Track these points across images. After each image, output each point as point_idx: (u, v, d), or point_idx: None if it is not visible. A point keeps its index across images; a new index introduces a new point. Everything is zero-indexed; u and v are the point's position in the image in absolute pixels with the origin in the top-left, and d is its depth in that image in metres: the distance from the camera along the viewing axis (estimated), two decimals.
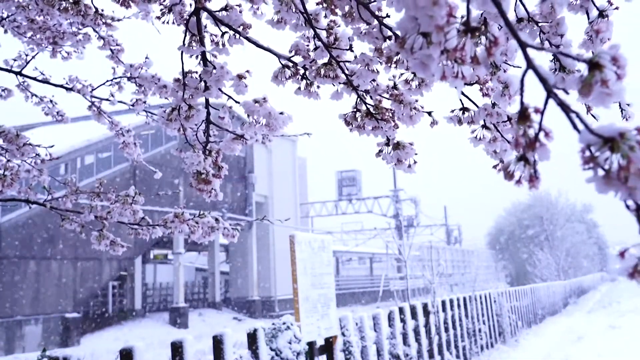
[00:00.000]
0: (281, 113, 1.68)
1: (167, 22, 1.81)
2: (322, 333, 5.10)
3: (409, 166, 1.64)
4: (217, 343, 3.65)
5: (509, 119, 1.51)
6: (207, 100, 1.76)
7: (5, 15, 2.60)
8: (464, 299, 9.44)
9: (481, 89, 1.58)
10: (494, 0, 0.55)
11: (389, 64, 1.51)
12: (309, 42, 1.64)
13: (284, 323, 4.42)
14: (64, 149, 17.94)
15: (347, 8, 1.56)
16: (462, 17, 0.60)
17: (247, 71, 1.69)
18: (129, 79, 2.75)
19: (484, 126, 1.57)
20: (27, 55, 2.94)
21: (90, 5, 2.19)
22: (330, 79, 1.59)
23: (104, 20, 2.32)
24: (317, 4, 1.61)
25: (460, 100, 1.57)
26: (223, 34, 1.68)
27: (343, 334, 5.36)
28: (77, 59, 2.84)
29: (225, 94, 1.67)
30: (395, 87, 1.58)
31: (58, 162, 17.52)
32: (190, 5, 1.72)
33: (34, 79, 3.04)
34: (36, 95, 3.13)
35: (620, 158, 0.52)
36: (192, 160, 1.74)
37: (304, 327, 4.81)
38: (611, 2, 1.60)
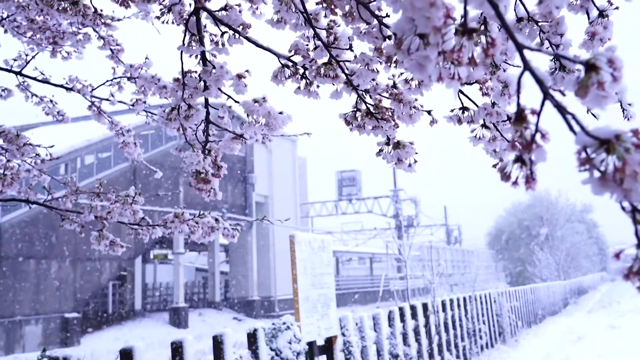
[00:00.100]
0: (281, 113, 1.69)
1: (167, 22, 1.81)
2: (322, 333, 5.10)
3: (410, 165, 1.64)
4: (217, 343, 3.65)
5: (509, 118, 1.51)
6: (206, 100, 1.76)
7: (5, 15, 2.60)
8: (464, 299, 9.44)
9: (481, 89, 1.58)
10: (491, 2, 0.55)
11: (389, 64, 1.51)
12: (309, 41, 1.64)
13: (284, 323, 4.42)
14: (64, 149, 17.94)
15: (347, 8, 1.56)
16: (461, 16, 0.61)
17: (247, 71, 1.69)
18: (129, 79, 2.76)
19: (484, 125, 1.57)
20: (27, 55, 2.95)
21: (89, 5, 2.19)
22: (330, 78, 1.59)
23: (103, 20, 2.32)
24: (317, 3, 1.61)
25: (460, 99, 1.57)
26: (223, 33, 1.68)
27: (343, 334, 5.36)
28: (77, 59, 2.84)
29: (224, 93, 1.67)
30: (394, 86, 1.58)
31: (58, 162, 17.52)
32: (190, 5, 1.72)
33: (34, 79, 3.04)
34: (36, 95, 3.13)
35: (616, 160, 0.52)
36: (191, 159, 1.74)
37: (304, 327, 4.81)
38: (611, 2, 1.60)
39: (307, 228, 36.71)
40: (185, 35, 1.64)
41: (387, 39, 1.53)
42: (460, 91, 1.56)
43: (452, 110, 1.59)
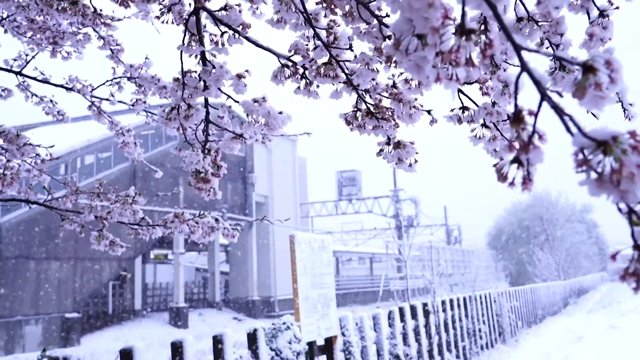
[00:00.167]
0: (280, 112, 1.69)
1: (167, 22, 1.81)
2: (322, 333, 5.10)
3: (410, 165, 1.64)
4: (217, 343, 3.65)
5: (509, 117, 1.51)
6: (206, 100, 1.76)
7: (5, 15, 2.60)
8: (464, 299, 9.43)
9: (481, 88, 1.58)
10: (489, 2, 0.55)
11: (389, 63, 1.51)
12: (309, 41, 1.64)
13: (284, 323, 4.42)
14: (64, 149, 17.93)
15: (347, 7, 1.56)
16: (461, 16, 0.61)
17: (247, 71, 1.69)
18: (129, 79, 2.76)
19: (484, 125, 1.57)
20: (27, 55, 2.95)
21: (88, 5, 2.19)
22: (330, 78, 1.59)
23: (102, 20, 2.32)
24: (317, 3, 1.61)
25: (460, 99, 1.57)
26: (222, 33, 1.68)
27: (343, 334, 5.36)
28: (77, 59, 2.84)
29: (224, 93, 1.68)
30: (394, 86, 1.58)
31: (58, 162, 17.52)
32: (190, 4, 1.72)
33: (34, 79, 3.05)
34: (36, 95, 3.14)
35: (613, 161, 0.52)
36: (191, 159, 1.75)
37: (304, 327, 4.81)
38: (612, 2, 1.60)
39: (307, 228, 36.70)
40: (185, 35, 1.64)
41: (387, 39, 1.53)
42: (460, 91, 1.56)
43: (452, 110, 1.59)
